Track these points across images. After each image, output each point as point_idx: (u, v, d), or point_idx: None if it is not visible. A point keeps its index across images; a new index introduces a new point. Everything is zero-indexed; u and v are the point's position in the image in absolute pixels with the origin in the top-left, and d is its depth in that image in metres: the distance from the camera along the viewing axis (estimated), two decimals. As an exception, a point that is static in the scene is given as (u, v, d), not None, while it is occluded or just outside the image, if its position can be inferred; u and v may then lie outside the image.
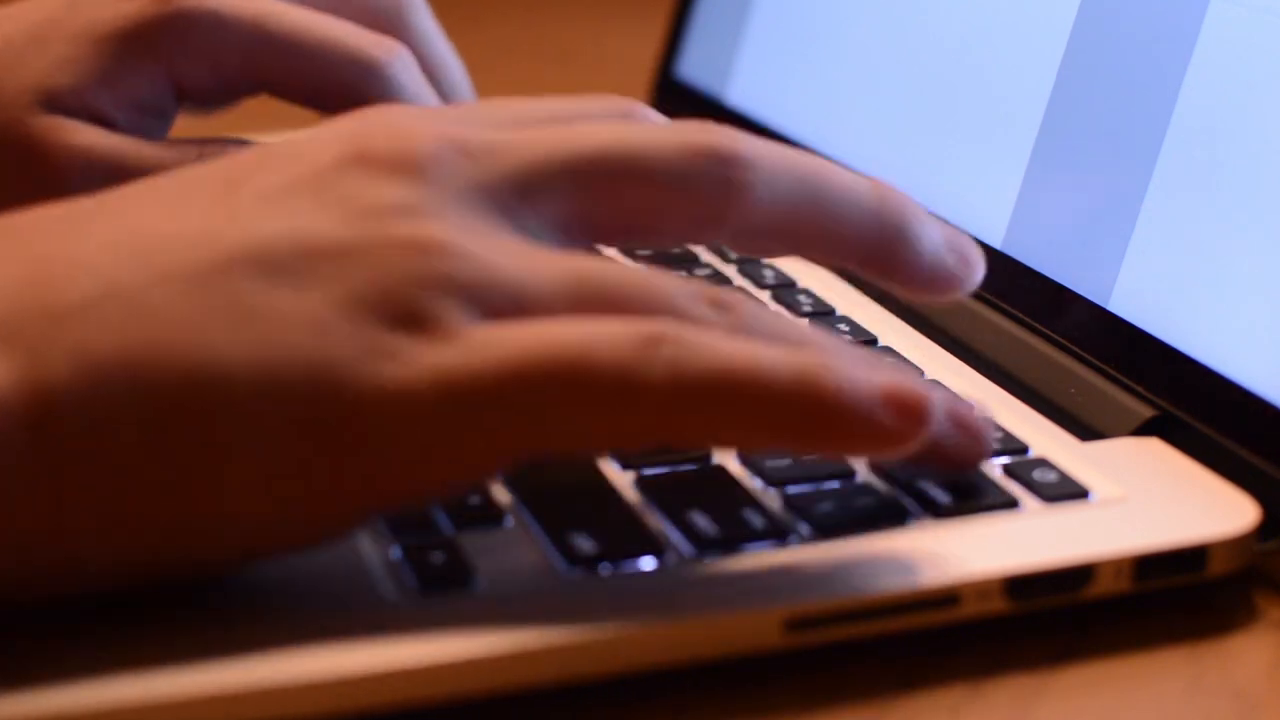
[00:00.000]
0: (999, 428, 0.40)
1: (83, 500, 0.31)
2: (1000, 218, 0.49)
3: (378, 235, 0.32)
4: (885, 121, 0.55)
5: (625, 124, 0.36)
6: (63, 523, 0.31)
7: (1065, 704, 0.34)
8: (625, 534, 0.36)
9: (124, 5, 0.44)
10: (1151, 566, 0.36)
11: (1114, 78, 0.46)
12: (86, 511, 0.31)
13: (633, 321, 0.32)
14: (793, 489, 0.38)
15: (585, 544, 0.35)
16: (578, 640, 0.33)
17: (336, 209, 0.33)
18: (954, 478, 0.37)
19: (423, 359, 0.31)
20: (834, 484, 0.38)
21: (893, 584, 0.34)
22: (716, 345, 0.32)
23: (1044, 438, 0.41)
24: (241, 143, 0.46)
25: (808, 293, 0.50)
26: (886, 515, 0.37)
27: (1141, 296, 0.43)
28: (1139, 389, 0.42)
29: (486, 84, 0.53)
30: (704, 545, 0.35)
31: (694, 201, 0.35)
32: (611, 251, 0.49)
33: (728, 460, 0.39)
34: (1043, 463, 0.39)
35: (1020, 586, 0.35)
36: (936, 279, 0.38)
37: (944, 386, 0.37)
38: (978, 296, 0.48)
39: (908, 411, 0.33)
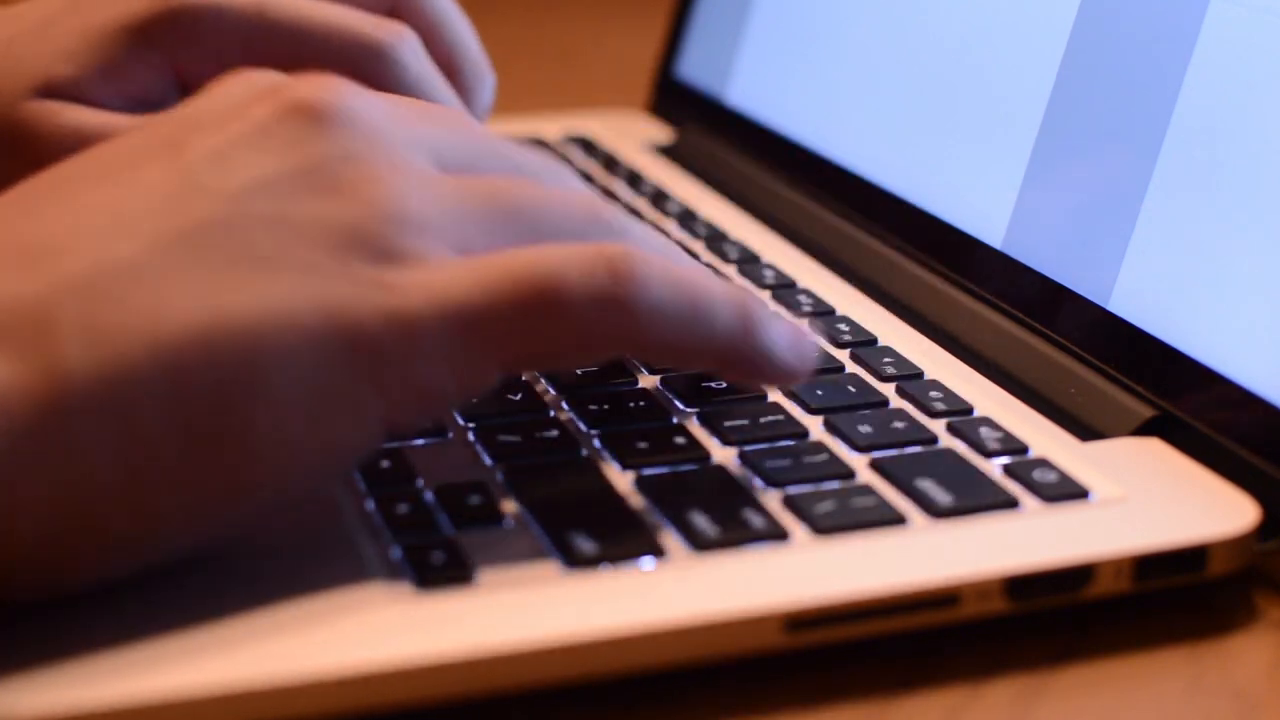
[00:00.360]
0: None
1: (113, 479, 0.31)
2: (1000, 217, 0.49)
3: (330, 181, 0.34)
4: (885, 121, 0.55)
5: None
6: (94, 505, 0.31)
7: (1065, 704, 0.34)
8: (625, 534, 0.36)
9: (128, 1, 0.45)
10: (1151, 566, 0.36)
11: (1114, 77, 0.46)
12: (117, 490, 0.31)
13: (589, 246, 0.35)
14: (793, 489, 0.38)
15: (585, 544, 0.35)
16: (577, 640, 0.33)
17: (287, 159, 0.34)
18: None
19: (414, 287, 0.33)
20: (834, 484, 0.38)
21: (893, 584, 0.34)
22: (668, 266, 0.36)
23: (1044, 438, 0.41)
24: None
25: (808, 293, 0.50)
26: (886, 515, 0.37)
27: (1141, 296, 0.43)
28: (1139, 389, 0.42)
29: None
30: (704, 545, 0.35)
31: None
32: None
33: (728, 460, 0.39)
34: (1043, 463, 0.39)
35: (1020, 586, 0.35)
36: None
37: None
38: (978, 296, 0.48)
39: (804, 357, 0.38)
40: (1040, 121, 0.48)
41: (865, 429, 0.40)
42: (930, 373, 0.44)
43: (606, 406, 0.41)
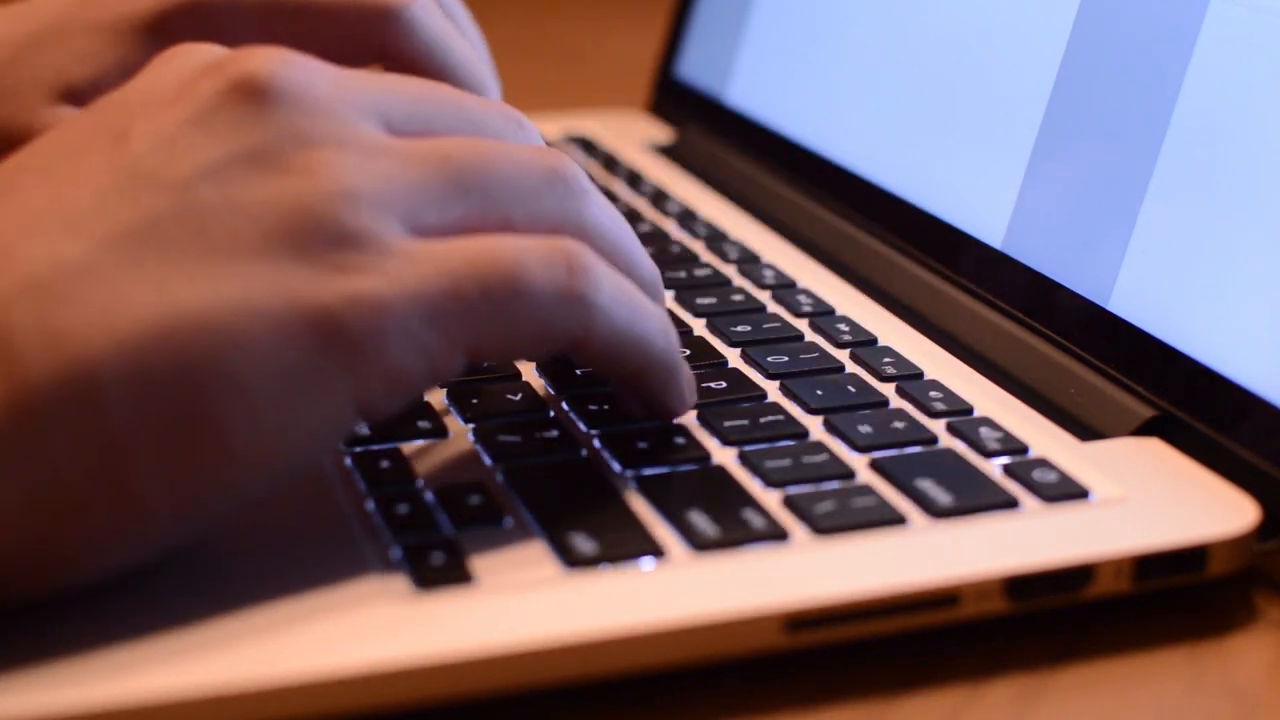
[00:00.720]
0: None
1: (88, 479, 0.31)
2: (1000, 217, 0.49)
3: (278, 162, 0.34)
4: (885, 121, 0.55)
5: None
6: (72, 506, 0.31)
7: (1065, 704, 0.34)
8: (625, 534, 0.36)
9: None
10: (1151, 566, 0.36)
11: (1114, 78, 0.46)
12: (94, 489, 0.31)
13: (547, 239, 0.35)
14: (793, 489, 0.38)
15: (585, 544, 0.35)
16: (577, 640, 0.33)
17: (232, 142, 0.34)
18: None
19: (375, 270, 0.33)
20: (834, 484, 0.38)
21: (893, 584, 0.34)
22: (612, 269, 0.36)
23: (1044, 438, 0.41)
24: None
25: (808, 293, 0.50)
26: (886, 515, 0.37)
27: (1141, 296, 0.43)
28: (1139, 389, 0.42)
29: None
30: (704, 545, 0.35)
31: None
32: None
33: (728, 460, 0.39)
34: (1043, 463, 0.39)
35: (1020, 586, 0.35)
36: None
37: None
38: (978, 296, 0.48)
39: (693, 390, 0.40)
40: (1040, 121, 0.48)
41: (865, 429, 0.40)
42: (930, 373, 0.44)
43: (606, 406, 0.41)
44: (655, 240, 0.55)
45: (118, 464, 0.31)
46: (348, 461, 0.39)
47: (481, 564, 0.35)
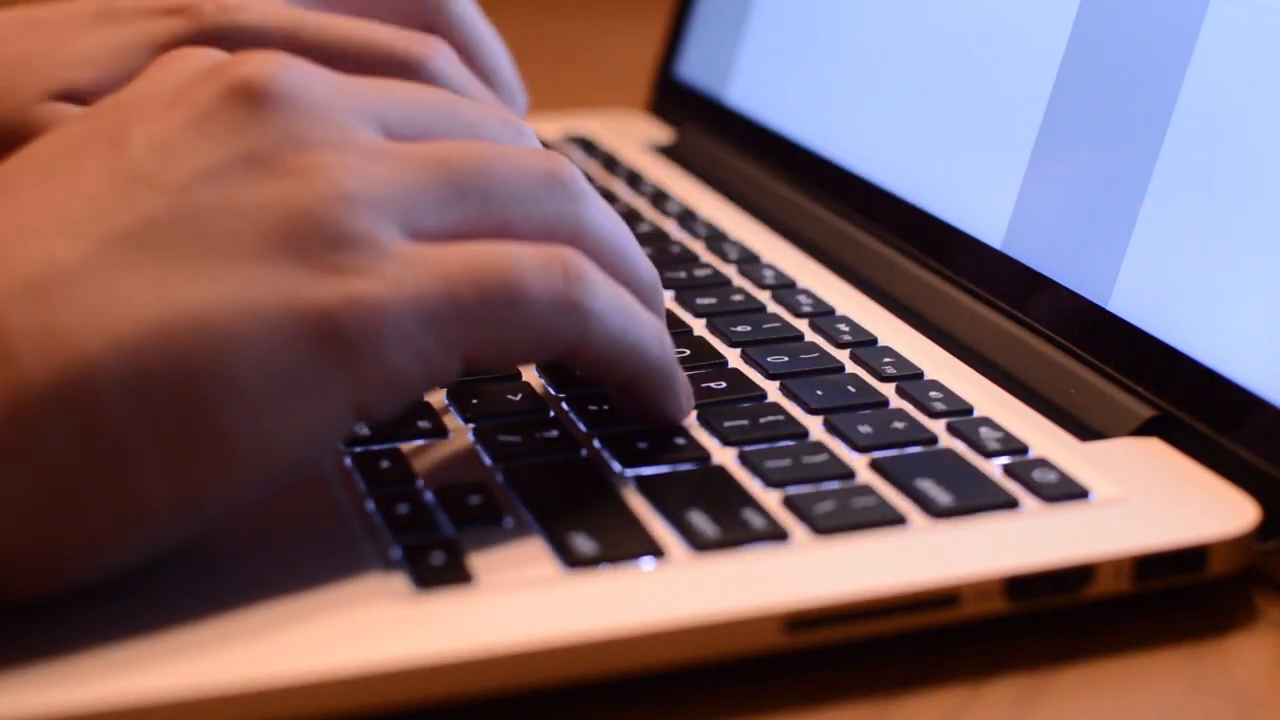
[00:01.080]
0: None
1: (87, 479, 0.31)
2: (1000, 217, 0.49)
3: (275, 165, 0.34)
4: (885, 121, 0.55)
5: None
6: (71, 506, 0.31)
7: (1065, 704, 0.34)
8: (625, 534, 0.36)
9: (163, 20, 0.44)
10: (1151, 566, 0.36)
11: (1114, 78, 0.46)
12: (93, 489, 0.31)
13: (544, 247, 0.35)
14: (792, 489, 0.38)
15: (585, 544, 0.35)
16: (577, 640, 0.33)
17: (230, 145, 0.34)
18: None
19: (375, 273, 0.33)
20: (834, 484, 0.38)
21: (893, 584, 0.34)
22: (606, 278, 0.36)
23: (1044, 438, 0.41)
24: None
25: (808, 293, 0.50)
26: (886, 515, 0.37)
27: (1141, 296, 0.43)
28: (1139, 389, 0.42)
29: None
30: (704, 545, 0.35)
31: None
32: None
33: (727, 460, 0.39)
34: (1043, 463, 0.39)
35: (1020, 586, 0.35)
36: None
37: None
38: (978, 296, 0.48)
39: (689, 396, 0.40)
40: (1040, 121, 0.48)
41: (865, 429, 0.40)
42: (930, 373, 0.44)
43: (606, 407, 0.41)
44: (655, 240, 0.55)
45: (116, 464, 0.31)
46: (348, 461, 0.39)
47: (481, 564, 0.35)
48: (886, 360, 0.45)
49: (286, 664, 0.31)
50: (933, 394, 0.42)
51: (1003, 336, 0.46)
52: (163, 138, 0.34)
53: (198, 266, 0.32)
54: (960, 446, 0.40)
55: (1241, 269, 0.41)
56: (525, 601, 0.34)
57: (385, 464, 0.38)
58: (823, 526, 0.36)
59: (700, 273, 0.52)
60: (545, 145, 0.40)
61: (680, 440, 0.40)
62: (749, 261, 0.53)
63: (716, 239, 0.55)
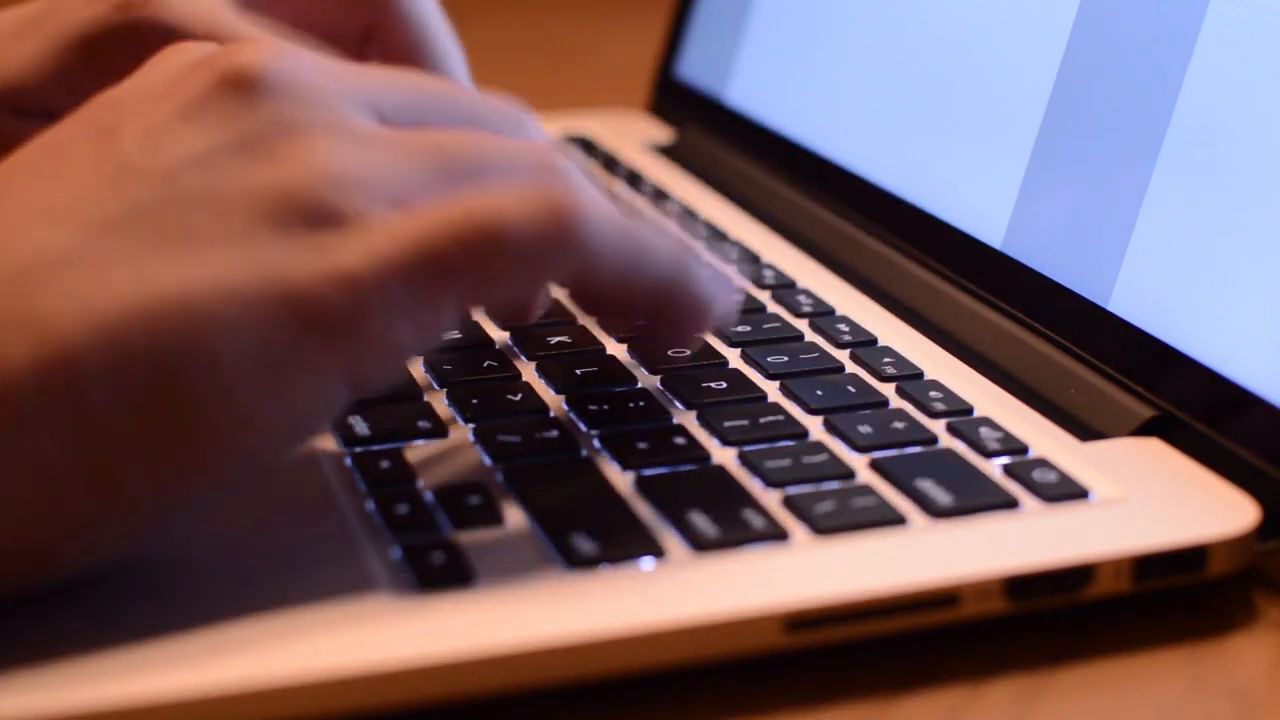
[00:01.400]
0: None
1: (72, 464, 0.31)
2: (1000, 217, 0.49)
3: (264, 149, 0.34)
4: (885, 121, 0.55)
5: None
6: (57, 492, 0.31)
7: (1065, 704, 0.34)
8: (625, 534, 0.36)
9: (91, 9, 0.44)
10: (1151, 566, 0.36)
11: (1114, 78, 0.46)
12: (78, 474, 0.31)
13: (529, 186, 0.35)
14: (792, 489, 0.38)
15: (585, 544, 0.35)
16: (577, 640, 0.33)
17: (219, 132, 0.34)
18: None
19: (352, 247, 0.33)
20: (834, 484, 0.38)
21: (893, 584, 0.34)
22: (610, 208, 0.36)
23: (1044, 438, 0.41)
24: None
25: (808, 293, 0.50)
26: (886, 515, 0.37)
27: (1141, 296, 0.43)
28: (1139, 389, 0.42)
29: (485, 83, 0.53)
30: (704, 545, 0.35)
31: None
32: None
33: (727, 460, 0.39)
34: (1043, 463, 0.39)
35: (1020, 586, 0.35)
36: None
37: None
38: (978, 296, 0.48)
39: (729, 302, 0.40)
40: (1040, 121, 0.48)
41: (865, 429, 0.40)
42: (930, 373, 0.44)
43: (606, 406, 0.41)
44: (655, 240, 0.55)
45: (99, 449, 0.31)
46: (348, 462, 0.39)
47: (481, 564, 0.35)
48: (886, 360, 0.45)
49: (286, 664, 0.31)
50: (933, 394, 0.42)
51: (1003, 336, 0.46)
52: (152, 128, 0.34)
53: (180, 249, 0.32)
54: (960, 446, 0.40)
55: (1241, 269, 0.41)
56: (525, 601, 0.34)
57: (385, 464, 0.38)
58: (823, 526, 0.36)
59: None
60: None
61: (680, 440, 0.40)
62: (749, 261, 0.53)
63: (716, 239, 0.55)
